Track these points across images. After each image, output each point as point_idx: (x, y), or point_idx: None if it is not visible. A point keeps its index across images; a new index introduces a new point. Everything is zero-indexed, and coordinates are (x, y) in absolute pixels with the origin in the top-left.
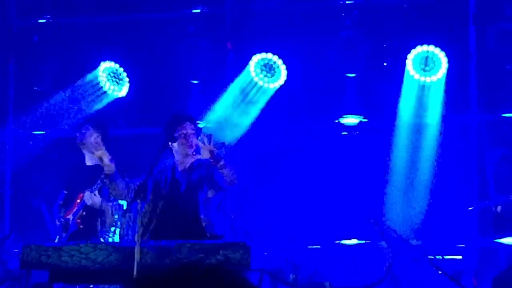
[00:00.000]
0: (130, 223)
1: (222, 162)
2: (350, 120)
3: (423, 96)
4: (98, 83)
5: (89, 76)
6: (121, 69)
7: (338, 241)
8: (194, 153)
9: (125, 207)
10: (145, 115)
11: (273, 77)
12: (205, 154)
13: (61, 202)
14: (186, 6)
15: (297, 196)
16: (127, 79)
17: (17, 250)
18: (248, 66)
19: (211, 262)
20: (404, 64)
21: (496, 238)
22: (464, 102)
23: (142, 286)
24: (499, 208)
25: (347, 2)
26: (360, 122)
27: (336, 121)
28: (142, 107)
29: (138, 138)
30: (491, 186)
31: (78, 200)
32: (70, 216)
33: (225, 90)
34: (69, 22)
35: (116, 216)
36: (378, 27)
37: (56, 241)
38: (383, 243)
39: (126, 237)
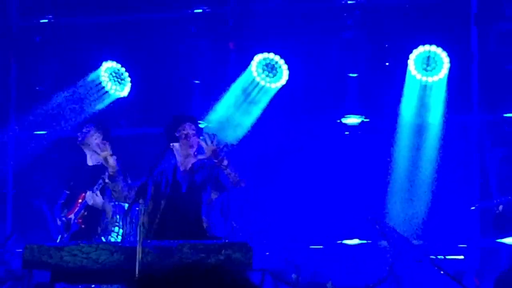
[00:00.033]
0: (132, 223)
1: (225, 162)
2: (352, 120)
3: (425, 96)
4: (100, 83)
5: (91, 76)
6: (123, 69)
7: (340, 241)
8: (195, 153)
9: (126, 207)
10: (147, 115)
11: (275, 77)
12: (208, 155)
13: (62, 202)
14: (188, 6)
15: (299, 196)
16: (129, 79)
17: (19, 250)
18: (250, 66)
19: (212, 262)
20: (406, 64)
21: (498, 238)
22: (465, 102)
23: (144, 286)
24: (500, 208)
25: (348, 2)
26: (362, 122)
27: (338, 121)
28: (143, 107)
29: (140, 138)
30: (493, 186)
31: (80, 200)
32: (71, 216)
33: (227, 90)
34: (71, 22)
35: (118, 216)
36: (379, 27)
37: (57, 241)
38: (385, 243)
39: (128, 237)
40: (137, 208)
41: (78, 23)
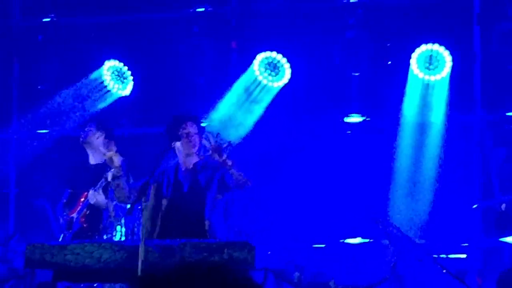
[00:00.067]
0: (134, 223)
1: (230, 162)
2: (354, 119)
3: (427, 95)
4: (102, 81)
5: (93, 75)
6: (125, 68)
7: (342, 240)
8: (197, 152)
9: (128, 206)
10: (149, 114)
11: (277, 76)
12: (213, 154)
13: (65, 201)
14: (190, 5)
15: (301, 195)
16: (131, 78)
17: (21, 249)
18: (252, 65)
19: (215, 261)
20: (408, 63)
21: (500, 237)
22: (468, 101)
23: (146, 285)
24: (503, 206)
25: (351, 1)
26: (364, 121)
27: (340, 120)
28: (146, 106)
29: (142, 138)
30: (495, 185)
31: (82, 199)
32: (74, 215)
33: (229, 89)
34: (73, 21)
35: (120, 215)
36: (382, 26)
37: (60, 240)
38: (387, 242)
39: (130, 236)
40: (139, 207)
41: (80, 22)
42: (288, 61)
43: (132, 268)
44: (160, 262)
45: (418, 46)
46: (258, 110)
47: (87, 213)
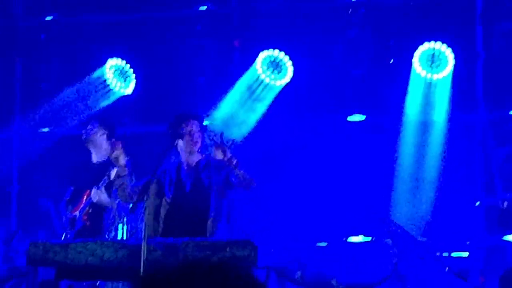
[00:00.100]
0: (137, 221)
1: (235, 162)
2: (357, 117)
3: (430, 94)
4: (105, 80)
5: (96, 73)
6: (128, 66)
7: (344, 239)
8: (199, 150)
9: (131, 205)
10: (151, 113)
11: (279, 74)
12: (217, 154)
13: (67, 199)
14: (193, 4)
15: (304, 193)
16: (133, 76)
17: (23, 248)
18: (254, 63)
19: (217, 259)
20: (411, 62)
21: (503, 235)
22: (470, 100)
23: (148, 283)
24: (505, 204)
25: None
26: (366, 119)
27: (343, 118)
28: (148, 104)
29: (144, 136)
30: (498, 184)
31: (85, 197)
32: (76, 213)
33: (231, 88)
34: (76, 20)
35: (123, 214)
36: (384, 24)
37: (62, 238)
38: (390, 240)
39: (132, 235)
40: (142, 206)
41: (83, 21)
42: (291, 59)
43: (134, 267)
44: (163, 261)
45: (421, 44)
46: (260, 109)
47: (90, 211)
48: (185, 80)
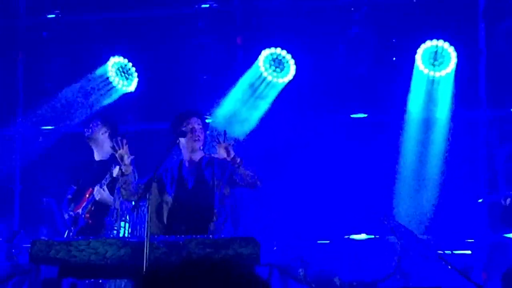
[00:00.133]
0: (139, 219)
1: (238, 160)
2: (359, 115)
3: (433, 91)
4: (107, 78)
5: (98, 71)
6: (130, 64)
7: (347, 236)
8: (201, 147)
9: (133, 203)
10: (154, 111)
11: (282, 72)
12: (221, 152)
13: (70, 197)
14: (195, 1)
15: (306, 191)
16: (136, 74)
17: (26, 245)
18: (257, 61)
19: (220, 257)
20: (413, 59)
21: (505, 233)
22: (473, 97)
23: (151, 281)
24: (508, 201)
25: None
26: (369, 117)
27: (345, 116)
28: (151, 102)
29: (146, 134)
30: (501, 182)
31: (87, 195)
32: (79, 211)
33: (234, 85)
34: (78, 18)
35: (125, 212)
36: (387, 22)
37: (65, 236)
38: (393, 238)
39: (135, 232)
40: (144, 204)
41: (85, 19)
42: (293, 57)
43: (137, 265)
44: (165, 259)
45: (423, 42)
46: (263, 106)
47: (92, 209)
48: (187, 78)
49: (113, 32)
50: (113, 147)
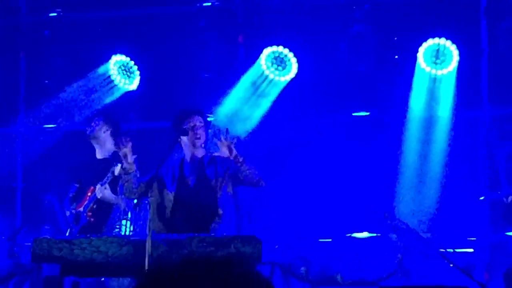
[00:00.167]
0: (141, 217)
1: (241, 159)
2: (361, 113)
3: (434, 89)
4: (109, 76)
5: (100, 70)
6: (132, 63)
7: (349, 234)
8: (203, 145)
9: (135, 201)
10: (156, 109)
11: (284, 70)
12: (223, 150)
13: (72, 195)
14: (197, 0)
15: (308, 189)
16: (137, 73)
17: (28, 244)
18: (259, 59)
19: (222, 255)
20: (415, 57)
21: (507, 231)
22: (475, 96)
23: (153, 279)
24: (510, 199)
25: None
26: (371, 115)
27: (347, 114)
28: (152, 100)
29: (148, 132)
30: (502, 180)
31: (89, 193)
32: (81, 209)
33: (236, 83)
34: (80, 16)
35: (127, 210)
36: (389, 20)
37: (67, 234)
38: (394, 236)
39: (137, 231)
40: (146, 202)
41: (87, 17)
42: (295, 55)
43: (139, 263)
44: (167, 257)
45: (425, 40)
46: (265, 104)
47: (94, 207)
48: (189, 76)
49: (115, 30)
50: (117, 145)
